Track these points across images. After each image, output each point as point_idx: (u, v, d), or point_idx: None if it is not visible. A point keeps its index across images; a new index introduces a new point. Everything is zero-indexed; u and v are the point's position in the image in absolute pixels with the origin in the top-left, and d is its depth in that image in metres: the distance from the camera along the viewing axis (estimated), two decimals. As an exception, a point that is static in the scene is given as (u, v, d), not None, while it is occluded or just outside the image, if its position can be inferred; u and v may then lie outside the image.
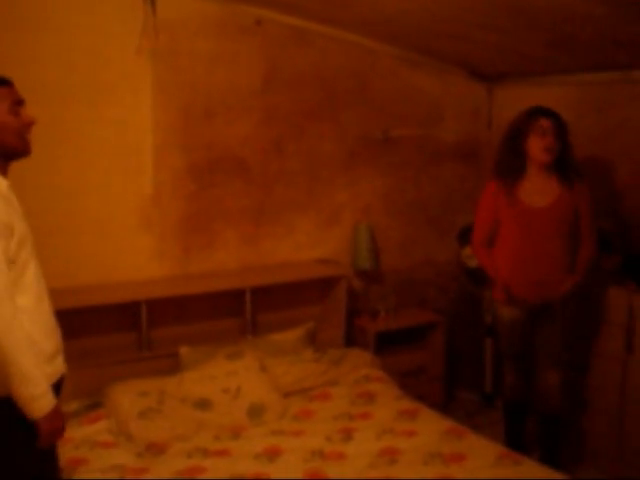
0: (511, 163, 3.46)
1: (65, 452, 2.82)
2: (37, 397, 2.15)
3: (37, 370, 2.15)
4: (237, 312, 3.97)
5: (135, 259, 3.79)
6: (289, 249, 4.20)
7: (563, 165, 3.43)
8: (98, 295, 3.56)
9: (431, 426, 3.28)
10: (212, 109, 3.84)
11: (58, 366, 2.36)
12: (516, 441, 3.70)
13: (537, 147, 3.37)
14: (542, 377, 3.61)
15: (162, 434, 3.15)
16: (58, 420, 2.23)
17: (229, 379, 3.43)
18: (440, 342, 4.42)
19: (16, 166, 3.32)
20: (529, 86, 4.48)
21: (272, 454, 3.05)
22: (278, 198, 4.11)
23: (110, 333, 3.66)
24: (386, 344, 4.29)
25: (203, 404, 3.33)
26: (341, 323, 4.15)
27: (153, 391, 3.38)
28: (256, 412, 3.35)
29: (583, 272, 3.47)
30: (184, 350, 3.67)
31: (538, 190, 3.43)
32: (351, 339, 4.25)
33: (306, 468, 2.93)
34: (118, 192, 3.69)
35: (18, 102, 2.29)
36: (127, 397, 3.28)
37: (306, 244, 4.25)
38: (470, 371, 4.79)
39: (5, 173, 2.34)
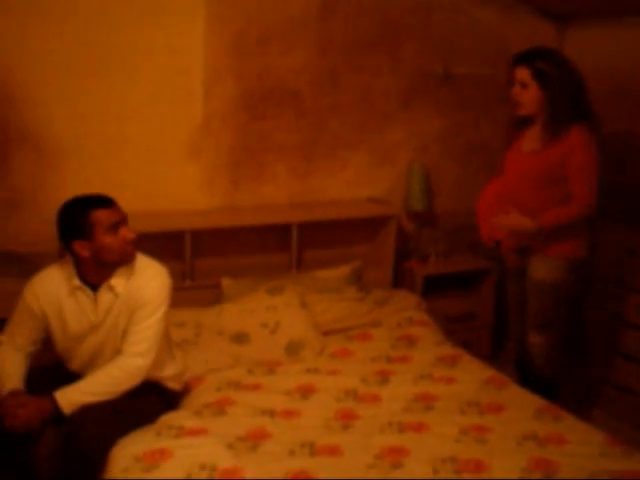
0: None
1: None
2: None
3: None
4: (283, 247, 3.92)
5: (182, 189, 3.75)
6: (340, 186, 4.10)
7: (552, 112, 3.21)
8: (143, 222, 3.51)
9: (471, 374, 3.19)
10: (266, 37, 3.71)
11: None
12: None
13: (511, 98, 3.28)
14: (526, 337, 3.49)
15: (196, 367, 3.13)
16: None
17: (268, 314, 3.39)
18: (491, 290, 4.29)
19: (66, 90, 3.35)
20: (603, 27, 4.22)
21: (305, 391, 3.01)
22: (331, 133, 3.99)
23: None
24: (435, 289, 4.19)
25: (240, 338, 3.31)
26: (389, 264, 4.06)
27: (190, 322, 3.38)
28: (294, 348, 3.32)
29: (544, 223, 3.17)
30: (226, 282, 3.64)
31: (531, 137, 3.30)
32: (399, 282, 4.16)
33: (338, 408, 2.88)
34: (167, 119, 3.62)
35: (115, 224, 2.59)
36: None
37: (357, 182, 4.14)
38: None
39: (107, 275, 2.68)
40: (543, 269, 3.31)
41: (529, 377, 3.52)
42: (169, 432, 2.60)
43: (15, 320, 2.72)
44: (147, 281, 2.69)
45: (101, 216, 2.57)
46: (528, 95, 3.21)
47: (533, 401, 2.97)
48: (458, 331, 4.05)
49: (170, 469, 2.39)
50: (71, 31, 3.33)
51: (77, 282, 2.65)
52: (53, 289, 2.68)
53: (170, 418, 2.71)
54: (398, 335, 3.53)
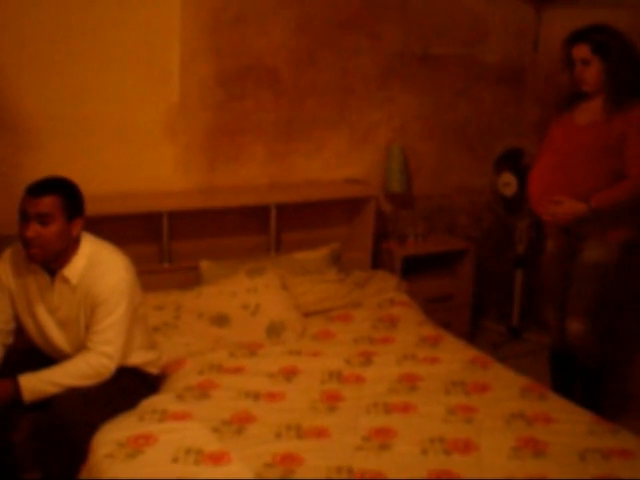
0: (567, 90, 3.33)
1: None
2: None
3: None
4: (262, 229, 3.86)
5: (159, 170, 3.67)
6: (318, 167, 4.04)
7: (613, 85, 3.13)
8: (119, 204, 3.45)
9: (454, 354, 3.17)
10: (244, 14, 3.64)
11: None
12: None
13: (574, 78, 3.20)
14: (566, 324, 3.37)
15: (177, 350, 3.07)
16: None
17: (249, 295, 3.34)
18: (469, 270, 4.28)
19: (39, 68, 3.26)
20: (580, 7, 4.20)
21: (288, 373, 2.97)
22: (309, 113, 3.93)
23: (131, 244, 3.53)
24: (413, 270, 4.17)
25: (220, 320, 3.26)
26: (368, 246, 4.03)
27: (169, 305, 3.32)
28: (275, 330, 3.27)
29: (599, 205, 3.08)
30: (205, 264, 3.58)
31: (588, 110, 3.20)
32: (378, 263, 4.12)
33: (322, 389, 2.85)
34: (143, 99, 3.54)
35: (24, 215, 2.45)
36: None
37: (336, 163, 4.08)
38: (498, 302, 4.67)
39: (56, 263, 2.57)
40: (599, 253, 3.19)
41: (566, 368, 3.46)
42: (152, 416, 2.55)
43: None
44: (102, 277, 2.56)
45: (21, 202, 2.47)
46: (592, 70, 3.12)
47: (518, 380, 2.96)
48: (437, 311, 4.01)
49: (156, 454, 2.34)
50: (45, 9, 3.24)
51: (35, 264, 2.56)
52: (20, 265, 2.61)
53: (152, 402, 2.66)
54: (379, 316, 3.50)
